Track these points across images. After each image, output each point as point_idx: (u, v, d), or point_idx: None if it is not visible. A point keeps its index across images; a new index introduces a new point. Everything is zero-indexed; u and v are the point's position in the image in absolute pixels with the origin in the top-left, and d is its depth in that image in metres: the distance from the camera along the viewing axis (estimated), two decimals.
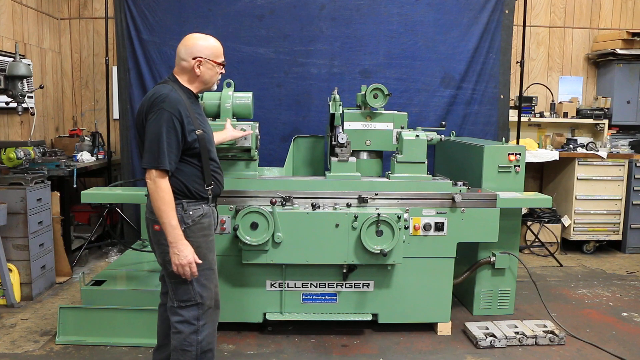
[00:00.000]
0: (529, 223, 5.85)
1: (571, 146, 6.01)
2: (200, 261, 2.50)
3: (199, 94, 2.80)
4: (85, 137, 5.85)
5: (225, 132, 3.24)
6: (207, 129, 2.66)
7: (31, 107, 4.60)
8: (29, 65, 5.05)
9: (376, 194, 3.54)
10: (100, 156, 5.70)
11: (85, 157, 5.49)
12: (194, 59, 2.56)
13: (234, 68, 5.08)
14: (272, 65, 5.08)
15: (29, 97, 5.23)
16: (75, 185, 4.85)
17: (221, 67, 2.68)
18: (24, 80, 4.43)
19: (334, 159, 3.62)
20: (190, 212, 2.53)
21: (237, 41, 5.08)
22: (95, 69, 6.25)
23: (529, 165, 5.81)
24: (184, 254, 2.42)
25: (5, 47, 5.09)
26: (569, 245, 6.00)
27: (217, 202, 3.41)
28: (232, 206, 3.47)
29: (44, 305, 4.17)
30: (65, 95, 6.32)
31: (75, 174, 4.83)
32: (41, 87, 4.85)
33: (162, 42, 5.13)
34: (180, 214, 2.50)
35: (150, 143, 2.42)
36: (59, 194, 4.74)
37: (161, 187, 2.41)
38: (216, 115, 3.52)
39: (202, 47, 2.59)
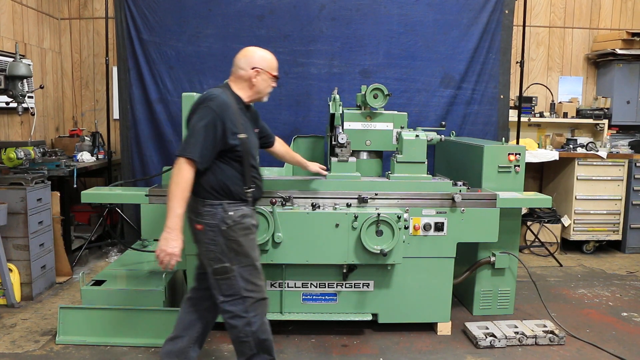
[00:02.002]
0: (528, 223, 5.85)
1: (571, 146, 6.02)
2: (179, 259, 2.53)
3: (250, 104, 2.89)
4: (86, 137, 5.85)
5: (307, 163, 3.41)
6: (251, 136, 2.75)
7: (31, 107, 4.60)
8: (29, 65, 5.06)
9: (376, 194, 3.54)
10: (100, 156, 5.71)
11: (86, 157, 5.49)
12: (252, 68, 2.73)
13: None
14: None
15: (29, 97, 5.23)
16: (75, 185, 4.85)
17: (275, 80, 2.86)
18: (24, 81, 4.43)
19: (334, 159, 3.62)
20: (231, 213, 2.61)
21: (237, 41, 5.07)
22: (95, 69, 6.25)
23: (528, 165, 5.81)
24: (173, 244, 2.45)
25: (5, 47, 5.10)
26: (568, 245, 6.01)
27: None
28: None
29: (44, 305, 4.18)
30: (65, 95, 6.32)
31: (75, 174, 4.83)
32: (41, 87, 4.86)
33: (162, 42, 5.13)
34: (220, 215, 2.60)
35: (188, 134, 2.57)
36: (59, 194, 4.74)
37: (182, 173, 2.48)
38: None
39: (261, 58, 2.79)
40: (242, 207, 2.67)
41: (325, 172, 3.50)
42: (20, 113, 4.37)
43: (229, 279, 2.62)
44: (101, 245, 5.75)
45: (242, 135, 2.62)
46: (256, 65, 2.74)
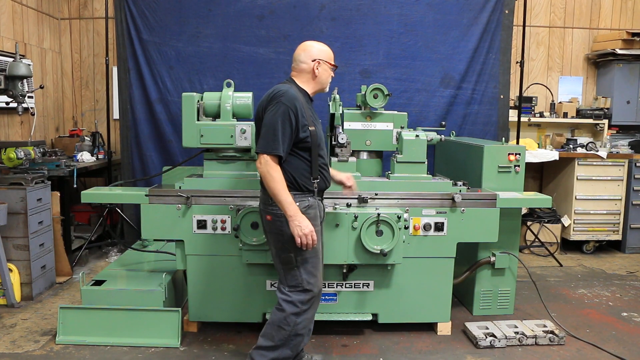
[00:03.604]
0: (528, 223, 5.85)
1: (571, 146, 6.01)
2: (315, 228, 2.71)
3: (312, 97, 2.99)
4: (86, 137, 5.85)
5: (339, 173, 3.29)
6: (318, 128, 2.86)
7: (31, 107, 4.60)
8: (29, 65, 5.06)
9: (376, 194, 3.54)
10: (100, 156, 5.71)
11: (86, 157, 5.49)
12: (313, 60, 2.86)
13: (234, 68, 5.09)
14: (272, 65, 5.09)
15: (29, 97, 5.23)
16: (75, 185, 4.85)
17: (334, 69, 2.99)
18: (24, 81, 4.43)
19: (333, 159, 3.62)
20: (297, 204, 2.70)
21: (237, 41, 5.08)
22: (95, 69, 6.26)
23: (528, 165, 5.82)
24: (305, 224, 2.65)
25: (5, 47, 5.10)
26: (568, 245, 6.01)
27: (220, 202, 3.46)
28: (232, 206, 3.47)
29: (44, 305, 4.18)
30: (65, 95, 6.33)
31: (75, 174, 4.83)
32: (41, 87, 4.85)
33: (162, 42, 5.13)
34: None
35: (265, 131, 2.68)
36: (59, 194, 4.74)
37: (273, 169, 2.64)
38: (216, 116, 3.52)
39: (319, 50, 2.90)
40: (308, 198, 2.79)
41: (350, 184, 3.26)
42: (20, 113, 4.37)
43: (293, 269, 2.76)
44: (101, 245, 5.75)
45: (312, 128, 2.74)
46: (316, 57, 2.85)
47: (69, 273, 4.85)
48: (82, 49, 6.27)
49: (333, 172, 3.25)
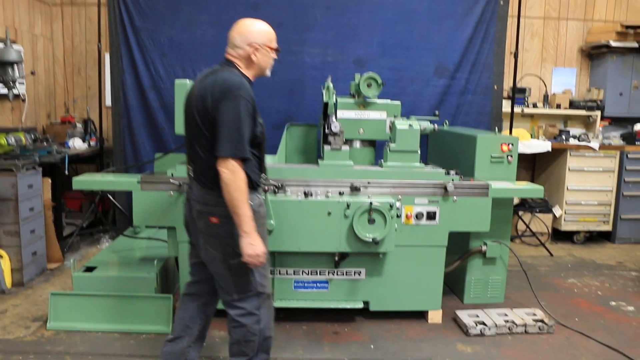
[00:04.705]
0: (520, 213, 5.88)
1: (563, 137, 6.03)
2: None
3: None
4: (77, 124, 5.82)
5: None
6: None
7: (22, 94, 4.55)
8: (20, 51, 5.00)
9: (369, 183, 3.54)
10: (92, 143, 5.67)
11: (77, 144, 5.46)
12: (249, 45, 2.51)
13: None
14: None
15: (20, 83, 5.19)
16: (67, 172, 4.82)
17: (275, 52, 2.64)
18: (15, 66, 4.39)
19: (327, 147, 3.62)
20: (251, 203, 2.46)
21: (230, 29, 5.03)
22: (87, 56, 6.20)
23: (521, 156, 5.81)
24: (259, 244, 2.41)
25: None
26: (559, 235, 6.05)
27: None
28: None
29: (35, 291, 4.17)
30: (57, 81, 6.27)
31: (67, 161, 4.81)
32: (32, 73, 4.82)
33: (154, 29, 5.08)
34: None
35: (229, 131, 2.34)
36: (50, 181, 4.72)
37: (240, 177, 2.35)
38: None
39: (257, 32, 2.54)
40: (258, 196, 2.59)
41: None
42: (10, 99, 4.34)
43: (245, 275, 2.50)
44: (93, 232, 5.73)
45: (261, 120, 2.54)
46: (253, 41, 2.51)
47: (60, 259, 4.83)
48: (74, 35, 6.21)
49: None
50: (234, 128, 2.34)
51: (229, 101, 2.34)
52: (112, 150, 5.50)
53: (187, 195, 2.64)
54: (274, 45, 2.61)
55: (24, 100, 4.79)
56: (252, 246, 2.39)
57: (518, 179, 4.14)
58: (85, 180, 3.63)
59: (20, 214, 4.23)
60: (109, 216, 5.82)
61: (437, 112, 4.00)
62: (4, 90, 4.40)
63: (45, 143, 4.96)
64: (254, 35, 2.52)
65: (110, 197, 5.47)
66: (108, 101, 5.73)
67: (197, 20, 5.04)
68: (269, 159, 4.01)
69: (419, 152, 3.68)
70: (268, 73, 2.68)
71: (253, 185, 2.53)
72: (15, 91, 4.34)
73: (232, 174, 2.33)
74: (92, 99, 6.13)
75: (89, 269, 3.76)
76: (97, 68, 5.54)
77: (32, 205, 4.42)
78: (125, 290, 3.56)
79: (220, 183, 2.36)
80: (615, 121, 6.42)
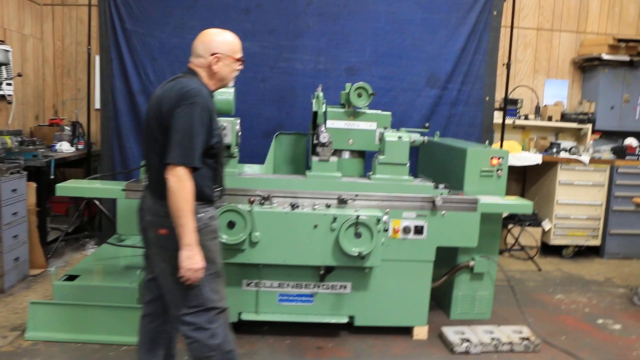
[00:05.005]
0: (509, 226, 5.86)
1: (554, 150, 6.02)
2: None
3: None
4: (66, 127, 5.74)
5: None
6: (221, 130, 2.61)
7: (8, 95, 4.48)
8: (7, 52, 4.93)
9: (356, 195, 3.49)
10: (80, 146, 5.60)
11: (65, 148, 5.38)
12: (212, 54, 2.46)
13: None
14: (257, 59, 5.00)
15: (7, 84, 5.13)
16: (52, 176, 4.75)
17: (239, 63, 2.58)
18: (2, 67, 4.32)
19: (314, 158, 3.58)
20: (200, 215, 2.38)
21: None
22: (77, 57, 6.13)
23: (511, 168, 5.81)
24: (198, 259, 2.30)
25: None
26: (548, 250, 6.02)
27: None
28: None
29: (16, 298, 4.09)
30: (46, 83, 6.19)
31: (52, 165, 4.73)
32: (19, 75, 4.74)
33: (145, 33, 5.02)
34: None
35: (180, 137, 2.27)
36: (35, 185, 4.64)
37: (187, 187, 2.26)
38: None
39: (220, 42, 2.49)
40: (209, 209, 2.48)
41: None
42: None
43: (194, 289, 2.40)
44: (78, 237, 5.65)
45: (219, 131, 2.49)
46: (215, 51, 2.45)
47: (44, 265, 4.75)
48: (65, 36, 6.14)
49: None
50: (185, 135, 2.28)
51: (184, 108, 2.28)
52: (100, 154, 5.42)
53: (140, 204, 2.57)
54: (238, 55, 2.56)
55: (10, 102, 4.70)
56: (190, 260, 2.29)
57: (508, 191, 4.11)
58: (70, 187, 3.58)
59: (3, 218, 4.15)
60: (95, 221, 5.75)
61: (427, 125, 3.97)
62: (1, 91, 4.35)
63: (31, 146, 4.89)
64: (216, 45, 2.48)
65: (97, 203, 5.40)
66: (97, 104, 5.65)
67: (189, 25, 4.98)
68: (257, 169, 3.99)
69: (408, 164, 3.64)
70: (231, 84, 2.65)
71: (204, 198, 2.44)
72: (1, 92, 4.26)
73: (179, 182, 2.26)
74: (81, 101, 6.06)
75: (71, 278, 3.69)
76: (87, 70, 5.46)
77: (16, 210, 4.35)
78: (107, 300, 3.49)
79: (167, 191, 2.30)
80: (606, 135, 6.42)
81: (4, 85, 4.37)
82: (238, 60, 2.56)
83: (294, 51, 5.04)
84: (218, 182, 2.53)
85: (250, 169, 3.96)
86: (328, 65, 5.09)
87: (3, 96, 4.31)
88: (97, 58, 5.44)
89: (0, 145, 4.60)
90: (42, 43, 6.12)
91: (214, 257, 2.45)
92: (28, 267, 4.60)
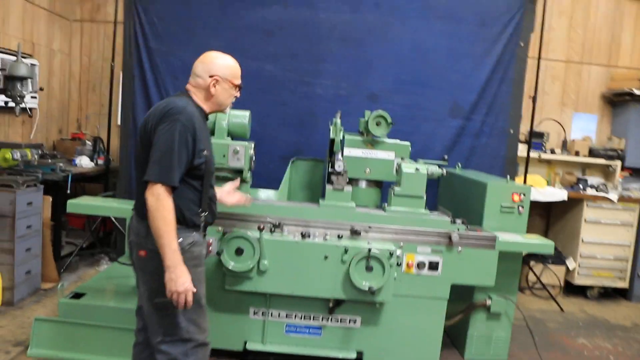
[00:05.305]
0: (531, 263, 5.65)
1: (581, 186, 5.82)
2: (195, 289, 2.30)
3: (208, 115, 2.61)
4: (87, 142, 5.79)
5: (229, 195, 2.88)
6: (212, 152, 2.50)
7: (30, 109, 4.52)
8: (32, 65, 5.00)
9: (370, 227, 3.39)
10: (100, 161, 5.62)
11: (84, 162, 5.41)
12: (210, 76, 2.44)
13: (242, 83, 4.97)
14: (277, 82, 4.97)
15: (32, 97, 5.19)
16: (69, 191, 4.75)
17: (238, 89, 2.57)
18: (25, 81, 4.36)
19: (328, 187, 3.49)
20: (180, 239, 2.28)
21: (244, 56, 4.87)
22: (103, 73, 6.20)
23: (536, 203, 5.65)
24: (182, 280, 2.20)
25: (12, 46, 5.04)
26: (572, 289, 5.78)
27: None
28: (220, 228, 3.34)
29: (24, 312, 4.07)
30: (71, 97, 6.28)
31: (70, 180, 4.74)
32: (41, 89, 4.79)
33: (169, 51, 5.05)
34: None
35: (160, 155, 2.23)
36: (51, 199, 4.65)
37: (165, 205, 2.20)
38: (211, 133, 3.41)
39: (220, 65, 2.48)
40: (192, 234, 2.37)
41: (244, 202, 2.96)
42: (17, 114, 4.31)
43: (171, 316, 2.31)
44: (94, 253, 5.64)
45: (206, 153, 2.38)
46: (215, 73, 2.44)
47: (56, 279, 4.74)
48: (92, 52, 6.23)
49: (221, 194, 2.77)
50: (165, 152, 2.22)
51: (165, 125, 2.25)
52: (119, 170, 5.43)
53: (128, 225, 2.51)
54: (237, 82, 2.54)
55: (31, 116, 4.74)
56: (175, 282, 2.19)
57: (532, 227, 3.97)
58: (79, 204, 3.56)
59: (17, 231, 4.16)
60: (111, 238, 5.74)
61: (446, 157, 3.87)
62: (14, 104, 4.38)
63: (50, 160, 4.92)
64: (216, 67, 2.46)
65: (113, 219, 5.38)
66: (119, 120, 5.69)
67: (211, 46, 4.84)
68: (271, 194, 3.92)
69: (425, 197, 3.52)
70: (228, 110, 2.63)
71: (187, 222, 2.35)
72: (22, 106, 4.30)
73: (157, 200, 2.20)
74: (104, 117, 6.10)
75: (78, 295, 3.65)
76: (109, 86, 5.50)
77: (30, 223, 4.36)
78: (112, 321, 3.42)
79: (147, 211, 2.23)
80: (637, 172, 6.17)
81: (27, 98, 4.41)
82: (236, 86, 2.54)
83: (316, 76, 5.00)
84: (204, 206, 2.42)
85: (264, 194, 3.90)
86: (349, 91, 5.03)
87: (24, 109, 4.35)
88: (121, 74, 5.49)
89: (20, 158, 4.64)
90: (69, 58, 6.21)
91: (193, 285, 2.31)
92: (40, 281, 4.60)
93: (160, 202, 2.20)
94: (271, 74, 4.99)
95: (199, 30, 5.00)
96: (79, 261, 5.38)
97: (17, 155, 4.64)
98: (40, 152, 5.11)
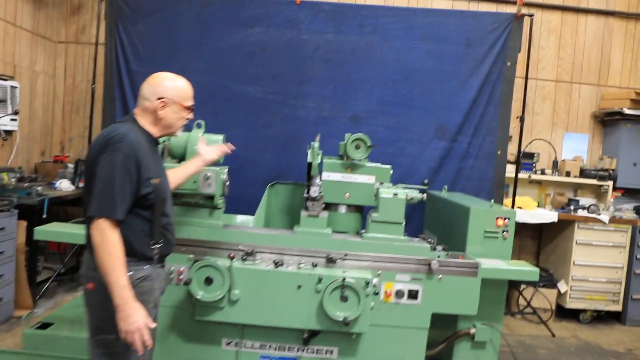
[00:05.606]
0: (521, 287, 5.51)
1: (572, 207, 5.71)
2: (154, 325, 2.18)
3: (159, 140, 2.51)
4: (69, 164, 5.69)
5: (199, 160, 2.88)
6: (164, 179, 2.38)
7: (4, 131, 4.44)
8: (11, 87, 4.93)
9: (346, 255, 3.27)
10: (81, 185, 5.51)
11: (64, 186, 5.30)
12: (158, 99, 2.32)
13: (222, 105, 4.90)
14: (260, 105, 4.88)
15: (12, 119, 5.12)
16: (45, 215, 4.63)
17: (188, 111, 2.44)
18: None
19: (303, 213, 3.38)
20: (130, 273, 2.17)
21: (226, 78, 4.90)
22: (87, 95, 6.11)
23: (527, 225, 5.54)
24: (135, 318, 2.08)
25: None
26: (564, 313, 5.64)
27: (177, 250, 3.18)
28: (191, 255, 3.22)
29: None
30: (55, 119, 6.21)
31: (46, 204, 4.63)
32: (15, 112, 4.70)
33: (150, 73, 4.85)
34: None
35: (101, 188, 2.11)
36: (25, 223, 4.54)
37: (110, 240, 2.09)
38: (181, 158, 3.31)
39: (168, 87, 2.36)
40: (144, 267, 2.24)
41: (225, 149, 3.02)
42: None
43: (111, 356, 2.17)
44: (73, 277, 5.51)
45: (155, 181, 2.24)
46: (163, 95, 2.32)
47: (31, 307, 4.62)
48: (76, 73, 6.18)
49: (201, 156, 2.83)
50: (106, 185, 2.11)
51: (106, 155, 2.13)
52: None
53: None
54: (188, 103, 2.42)
55: (5, 139, 4.65)
56: (126, 320, 2.07)
57: (523, 249, 3.87)
58: (47, 231, 3.44)
59: None
60: None
61: (426, 181, 3.76)
62: None
63: (29, 183, 4.82)
64: (164, 89, 2.34)
65: None
66: None
67: (193, 68, 4.90)
68: (248, 220, 3.80)
69: (404, 223, 3.40)
70: (178, 134, 2.50)
71: (137, 254, 2.22)
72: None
73: (100, 235, 2.08)
74: (86, 139, 6.02)
75: (45, 325, 3.52)
76: (90, 108, 5.42)
77: (3, 249, 4.27)
78: (78, 353, 3.29)
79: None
80: (629, 192, 6.08)
81: (5, 120, 4.34)
82: (187, 108, 2.42)
83: (299, 97, 4.91)
84: (156, 237, 2.29)
85: (240, 220, 3.79)
86: (333, 113, 4.93)
87: (0, 131, 4.27)
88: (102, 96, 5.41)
89: None
90: (54, 79, 6.15)
91: None
92: (13, 308, 4.47)
93: (105, 237, 2.08)
94: (253, 95, 4.90)
95: (181, 52, 4.92)
96: (57, 287, 5.25)
97: None
98: (18, 175, 5.02)
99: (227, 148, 3.06)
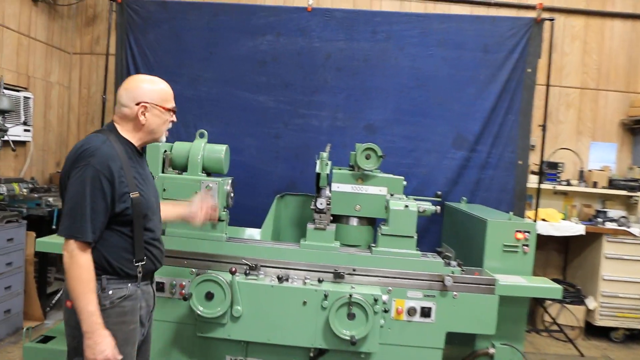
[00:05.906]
0: (547, 303, 5.24)
1: (600, 219, 5.43)
2: (120, 357, 2.03)
3: (144, 148, 2.37)
4: None
5: (184, 210, 2.62)
6: (146, 192, 2.18)
7: (14, 142, 4.42)
8: (25, 98, 4.92)
9: (354, 270, 3.11)
10: None
11: None
12: (137, 104, 2.15)
13: (233, 114, 4.82)
14: (271, 114, 4.78)
15: (25, 130, 5.11)
16: (54, 227, 4.58)
17: (171, 113, 2.27)
18: (9, 114, 4.26)
19: (310, 226, 3.23)
20: (110, 292, 2.05)
21: (237, 87, 4.82)
22: (102, 106, 6.10)
23: (552, 238, 5.29)
24: (100, 348, 1.95)
25: (6, 80, 4.98)
26: (593, 331, 5.33)
27: (179, 264, 3.08)
28: (194, 269, 3.11)
29: (0, 354, 3.87)
30: (70, 130, 6.20)
31: (55, 215, 4.59)
32: (24, 123, 4.68)
33: None
34: (97, 292, 2.01)
35: (70, 207, 1.98)
36: (34, 235, 4.49)
37: (79, 263, 1.96)
38: (184, 169, 3.21)
39: (147, 90, 2.18)
40: (125, 286, 2.10)
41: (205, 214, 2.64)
42: None
43: None
44: None
45: (133, 195, 2.08)
46: (142, 100, 2.15)
47: (41, 318, 4.57)
48: (91, 84, 6.16)
49: (189, 214, 2.55)
50: (75, 204, 1.97)
51: (77, 171, 1.99)
52: None
53: None
54: (169, 105, 2.25)
55: (14, 150, 4.64)
56: (93, 349, 1.94)
57: (549, 262, 3.64)
58: (49, 243, 3.36)
59: None
60: None
61: (439, 193, 3.56)
62: (7, 137, 4.31)
63: (42, 194, 4.79)
64: (142, 92, 2.17)
65: None
66: None
67: (203, 77, 4.85)
68: (255, 232, 3.68)
69: (416, 237, 3.23)
70: (163, 139, 2.31)
71: (117, 272, 2.08)
72: (4, 139, 4.20)
73: (70, 258, 1.96)
74: None
75: (47, 339, 3.44)
76: (101, 118, 5.39)
77: (11, 260, 4.21)
78: None
79: None
80: None
81: (18, 131, 4.32)
82: (169, 110, 2.25)
83: (311, 107, 4.79)
84: (139, 254, 2.14)
85: (247, 233, 3.66)
86: (346, 123, 4.80)
87: (6, 141, 4.24)
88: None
89: (6, 192, 4.52)
90: (68, 90, 6.15)
91: (118, 345, 2.03)
92: (22, 320, 4.42)
93: (73, 259, 1.96)
94: (264, 105, 4.80)
95: (191, 61, 4.87)
96: None
97: (4, 189, 4.53)
98: (31, 185, 5.00)
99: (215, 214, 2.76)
